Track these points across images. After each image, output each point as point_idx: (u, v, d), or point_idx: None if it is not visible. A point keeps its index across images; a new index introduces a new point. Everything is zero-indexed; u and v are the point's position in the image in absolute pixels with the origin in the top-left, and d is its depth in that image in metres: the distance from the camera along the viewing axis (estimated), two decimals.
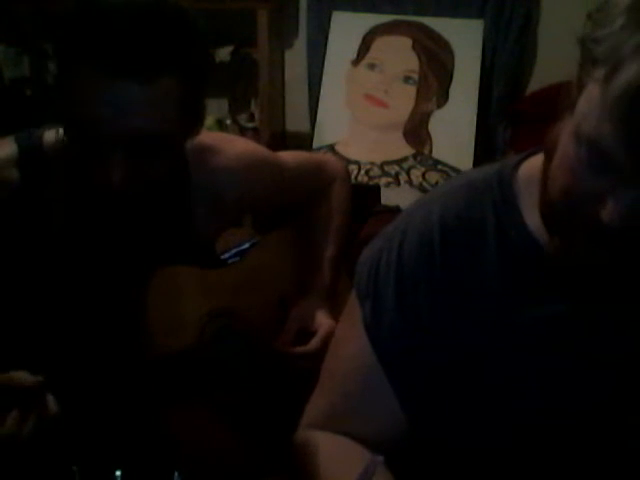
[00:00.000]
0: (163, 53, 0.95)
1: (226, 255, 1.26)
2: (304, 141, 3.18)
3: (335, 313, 1.28)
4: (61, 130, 1.04)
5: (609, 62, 0.65)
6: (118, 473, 0.71)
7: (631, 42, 0.64)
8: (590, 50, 0.68)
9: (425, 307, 0.84)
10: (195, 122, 1.08)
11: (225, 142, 1.24)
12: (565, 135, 0.72)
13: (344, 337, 0.94)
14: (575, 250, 0.73)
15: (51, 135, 1.09)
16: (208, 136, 1.24)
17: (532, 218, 0.81)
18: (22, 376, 0.88)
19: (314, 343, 1.24)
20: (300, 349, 1.24)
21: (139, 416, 1.08)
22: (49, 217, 1.08)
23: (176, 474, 0.70)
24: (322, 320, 1.27)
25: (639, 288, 0.79)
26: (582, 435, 0.81)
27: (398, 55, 3.19)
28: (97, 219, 1.10)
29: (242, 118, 3.51)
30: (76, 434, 1.04)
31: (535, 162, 0.83)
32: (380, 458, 0.71)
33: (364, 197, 2.71)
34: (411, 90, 3.17)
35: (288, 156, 1.34)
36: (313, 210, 1.36)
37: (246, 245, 1.27)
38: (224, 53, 3.29)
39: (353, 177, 3.07)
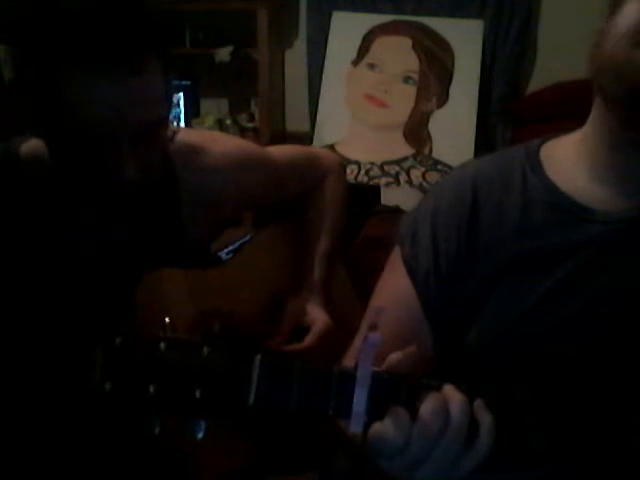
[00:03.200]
0: (143, 38, 0.95)
1: (220, 254, 1.25)
2: (304, 141, 3.18)
3: (331, 309, 1.28)
4: (38, 141, 1.03)
5: None
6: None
7: None
8: None
9: (454, 247, 0.92)
10: (171, 104, 1.09)
11: (211, 141, 1.22)
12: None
13: (385, 278, 1.00)
14: None
15: (28, 146, 1.07)
16: (193, 135, 1.22)
17: (555, 174, 0.90)
18: None
19: (308, 340, 1.23)
20: (294, 347, 1.23)
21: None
22: (30, 228, 1.07)
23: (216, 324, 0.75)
24: (316, 316, 1.26)
25: None
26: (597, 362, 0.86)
27: (398, 55, 3.19)
28: (83, 224, 1.08)
29: (242, 118, 3.52)
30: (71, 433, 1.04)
31: (557, 143, 0.93)
32: (381, 308, 0.73)
33: (364, 197, 2.72)
34: (411, 90, 3.17)
35: (279, 151, 1.32)
36: (307, 204, 1.35)
37: (237, 243, 1.26)
38: (224, 53, 3.29)
39: (353, 177, 3.07)
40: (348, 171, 2.90)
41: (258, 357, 0.70)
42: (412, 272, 0.94)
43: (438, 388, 0.72)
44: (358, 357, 0.71)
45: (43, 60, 0.94)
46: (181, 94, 3.42)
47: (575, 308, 0.86)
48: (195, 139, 1.20)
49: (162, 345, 0.70)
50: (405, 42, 3.19)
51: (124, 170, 0.97)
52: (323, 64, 3.25)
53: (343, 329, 1.00)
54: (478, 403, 0.72)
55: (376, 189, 2.93)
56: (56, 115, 0.96)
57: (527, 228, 0.89)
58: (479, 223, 0.92)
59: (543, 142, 0.94)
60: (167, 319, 0.74)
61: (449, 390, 0.72)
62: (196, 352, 0.70)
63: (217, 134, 1.42)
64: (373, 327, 0.71)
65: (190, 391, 0.68)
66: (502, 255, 0.90)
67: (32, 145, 1.07)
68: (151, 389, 0.68)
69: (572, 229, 0.87)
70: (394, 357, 0.74)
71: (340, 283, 1.36)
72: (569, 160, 0.89)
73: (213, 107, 3.59)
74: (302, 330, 1.25)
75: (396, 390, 0.71)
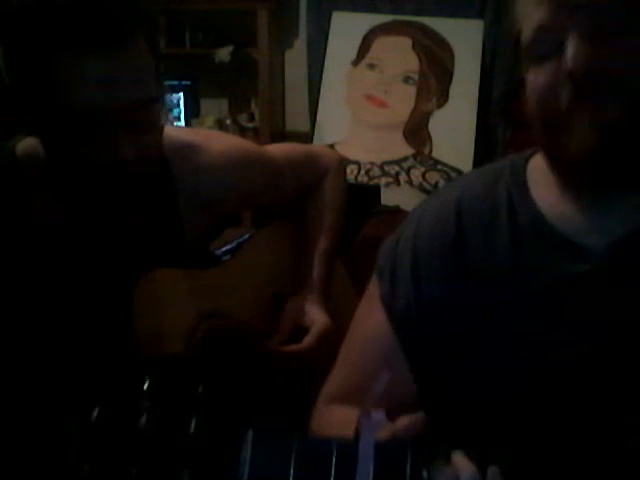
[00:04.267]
0: (129, 17, 0.96)
1: (219, 253, 1.24)
2: (304, 141, 3.17)
3: (331, 309, 1.27)
4: (33, 140, 1.03)
5: None
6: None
7: None
8: None
9: (437, 280, 0.88)
10: (162, 84, 1.09)
11: (209, 139, 1.21)
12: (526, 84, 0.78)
13: (363, 314, 0.97)
14: (575, 153, 0.76)
15: (23, 146, 1.08)
16: (191, 133, 1.22)
17: (541, 199, 0.85)
18: None
19: (307, 341, 1.22)
20: (293, 348, 1.23)
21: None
22: (28, 227, 1.06)
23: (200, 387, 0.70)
24: (315, 317, 1.25)
25: None
26: (581, 398, 0.83)
27: (398, 55, 3.19)
28: (81, 223, 1.08)
29: (242, 118, 3.51)
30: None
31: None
32: (386, 376, 0.72)
33: (364, 197, 2.72)
34: (411, 90, 3.17)
35: (278, 149, 1.31)
36: (306, 203, 1.34)
37: (236, 243, 1.26)
38: (224, 53, 3.29)
39: (353, 177, 3.07)
40: (348, 171, 2.90)
41: (250, 434, 0.65)
42: (391, 312, 0.91)
43: (447, 457, 0.68)
44: (359, 430, 0.67)
45: (31, 42, 0.94)
46: (181, 94, 3.42)
47: (561, 346, 0.83)
48: (193, 138, 1.19)
49: (143, 420, 0.63)
50: (405, 42, 3.19)
51: (121, 150, 0.97)
52: (323, 64, 3.25)
53: (342, 329, 1.00)
54: (492, 472, 0.68)
55: (376, 189, 2.93)
56: (49, 98, 0.96)
57: (516, 264, 0.84)
58: (465, 253, 0.87)
59: (532, 154, 0.89)
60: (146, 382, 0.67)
61: (459, 461, 0.68)
62: (182, 428, 0.63)
63: (215, 133, 1.41)
64: (375, 402, 0.68)
65: (177, 473, 0.62)
66: (490, 291, 0.85)
67: (28, 144, 1.07)
68: (133, 472, 0.62)
69: (559, 266, 0.83)
70: (401, 423, 0.71)
71: (340, 283, 1.35)
72: (553, 179, 0.84)
73: (213, 107, 3.58)
74: (301, 330, 1.25)
75: (401, 462, 0.66)
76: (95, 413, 0.63)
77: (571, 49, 0.72)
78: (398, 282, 0.90)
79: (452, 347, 0.87)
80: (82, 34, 0.92)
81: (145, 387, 0.66)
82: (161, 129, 1.06)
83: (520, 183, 0.87)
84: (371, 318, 0.93)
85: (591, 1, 0.71)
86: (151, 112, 1.01)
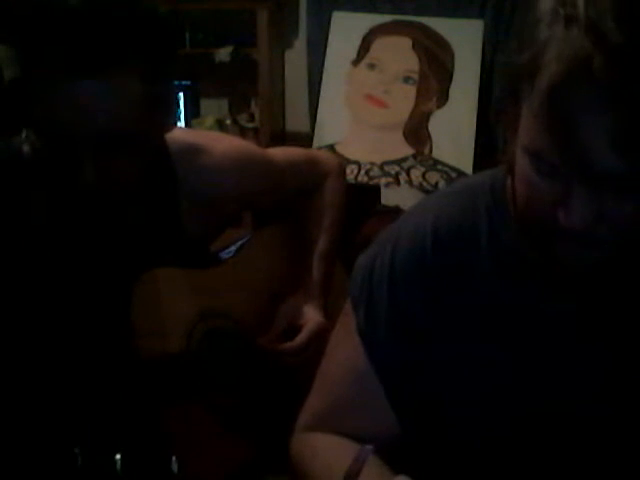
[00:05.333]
0: (117, 47, 0.92)
1: (220, 254, 1.25)
2: (304, 141, 3.18)
3: (328, 309, 1.27)
4: (35, 136, 1.03)
5: (529, 75, 0.69)
6: (118, 457, 0.70)
7: (546, 50, 0.68)
8: (515, 66, 0.73)
9: (417, 311, 0.85)
10: (165, 118, 1.06)
11: (211, 140, 1.22)
12: (517, 150, 0.74)
13: (338, 342, 0.95)
14: (555, 260, 0.75)
15: (29, 142, 1.08)
16: (193, 134, 1.23)
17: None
18: None
19: (299, 339, 1.23)
20: (285, 345, 1.23)
21: (134, 412, 1.08)
22: (33, 224, 1.07)
23: (174, 459, 0.70)
24: (310, 316, 1.26)
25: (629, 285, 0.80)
26: (578, 430, 0.82)
27: (398, 55, 3.19)
28: (81, 223, 1.08)
29: (242, 118, 3.51)
30: (76, 419, 1.04)
31: None
32: (369, 447, 0.71)
33: (364, 197, 2.72)
34: (411, 90, 3.17)
35: (279, 152, 1.32)
36: (306, 205, 1.35)
37: (237, 244, 1.26)
38: (224, 53, 3.29)
39: (353, 177, 3.07)
40: (348, 171, 2.90)
41: None
42: (367, 344, 0.88)
43: None
44: None
45: (25, 58, 0.94)
46: (181, 94, 3.42)
47: (548, 375, 0.81)
48: (195, 139, 1.20)
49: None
50: (405, 42, 3.19)
51: (82, 174, 0.96)
52: (323, 64, 3.25)
53: None
54: None
55: (376, 189, 2.93)
56: (31, 110, 0.96)
57: (499, 290, 0.82)
58: (445, 280, 0.84)
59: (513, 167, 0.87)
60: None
61: None
62: None
63: (217, 134, 1.43)
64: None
65: None
66: (473, 317, 0.83)
67: (31, 142, 1.07)
68: None
69: (543, 300, 0.81)
70: None
71: (340, 284, 1.36)
72: None
73: (213, 107, 3.58)
74: (295, 329, 1.25)
75: None
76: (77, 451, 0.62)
77: (577, 205, 0.68)
78: (375, 313, 0.88)
79: (434, 378, 0.85)
80: (67, 53, 0.90)
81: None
82: (144, 159, 1.04)
83: (500, 205, 0.84)
84: (347, 349, 0.91)
85: (607, 163, 0.66)
86: (126, 145, 0.98)
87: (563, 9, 0.67)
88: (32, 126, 1.00)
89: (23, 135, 1.08)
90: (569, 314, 0.81)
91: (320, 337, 1.22)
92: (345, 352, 0.92)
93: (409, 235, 0.88)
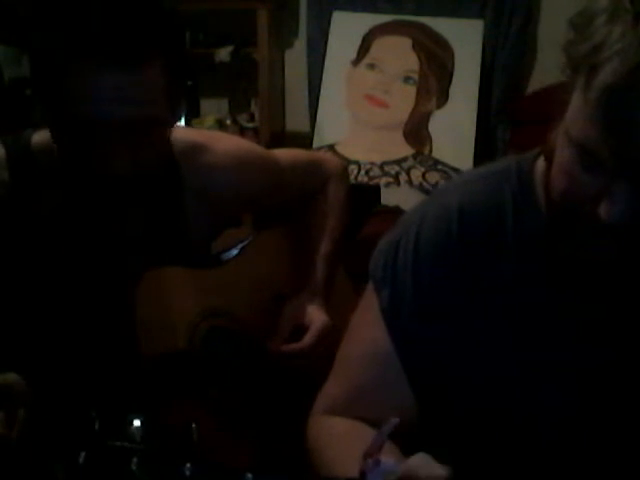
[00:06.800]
0: (145, 39, 0.97)
1: (222, 255, 1.25)
2: (304, 141, 3.18)
3: (331, 310, 1.28)
4: (48, 132, 1.05)
5: (588, 67, 0.68)
6: (137, 423, 0.66)
7: (607, 45, 0.66)
8: (572, 57, 0.70)
9: (442, 291, 0.86)
10: (179, 107, 1.09)
11: (215, 140, 1.23)
12: (560, 139, 0.74)
13: (360, 324, 0.95)
14: (581, 249, 0.76)
15: (39, 137, 1.10)
16: (197, 134, 1.24)
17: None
18: (7, 377, 0.88)
19: (306, 340, 1.23)
20: (292, 347, 1.23)
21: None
22: (41, 218, 1.08)
23: (194, 426, 0.67)
24: (315, 317, 1.26)
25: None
26: (578, 429, 0.83)
27: (398, 55, 3.19)
28: (89, 218, 1.10)
29: (242, 118, 3.52)
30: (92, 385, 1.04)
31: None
32: (395, 420, 0.70)
33: (364, 197, 2.72)
34: (411, 90, 3.17)
35: (282, 153, 1.33)
36: (309, 207, 1.35)
37: (239, 246, 1.26)
38: (224, 53, 3.29)
39: (353, 177, 3.07)
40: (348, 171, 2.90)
41: (250, 476, 0.61)
42: (392, 325, 0.88)
43: None
44: (367, 475, 0.67)
45: (45, 51, 0.98)
46: None
47: (569, 352, 0.82)
48: (198, 138, 1.21)
49: (134, 461, 0.58)
50: (405, 42, 3.19)
51: (112, 164, 0.99)
52: (323, 64, 3.25)
53: (342, 329, 1.00)
54: None
55: (376, 189, 2.93)
56: (57, 104, 0.98)
57: (523, 272, 0.83)
58: (470, 261, 0.85)
59: (538, 155, 0.87)
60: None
61: None
62: (176, 472, 0.59)
63: (220, 134, 1.43)
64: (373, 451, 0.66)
65: None
66: (496, 299, 0.84)
67: (43, 135, 1.09)
68: None
69: (562, 290, 0.82)
70: (414, 461, 0.71)
71: (340, 283, 1.36)
72: None
73: (213, 107, 3.59)
74: (301, 330, 1.25)
75: None
76: (82, 456, 0.58)
77: (619, 201, 0.69)
78: (400, 294, 0.88)
79: (456, 356, 0.86)
80: (98, 46, 0.94)
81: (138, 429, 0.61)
82: (164, 147, 1.07)
83: (526, 189, 0.85)
84: (369, 331, 0.91)
85: None
86: (153, 132, 1.02)
87: (632, 5, 0.66)
88: (56, 120, 1.01)
89: (30, 130, 1.10)
90: (583, 308, 0.82)
91: (326, 337, 1.23)
92: (368, 333, 0.92)
93: (434, 216, 0.88)
